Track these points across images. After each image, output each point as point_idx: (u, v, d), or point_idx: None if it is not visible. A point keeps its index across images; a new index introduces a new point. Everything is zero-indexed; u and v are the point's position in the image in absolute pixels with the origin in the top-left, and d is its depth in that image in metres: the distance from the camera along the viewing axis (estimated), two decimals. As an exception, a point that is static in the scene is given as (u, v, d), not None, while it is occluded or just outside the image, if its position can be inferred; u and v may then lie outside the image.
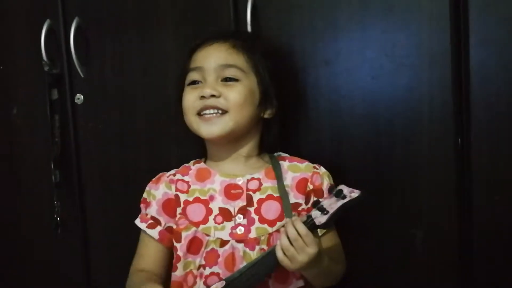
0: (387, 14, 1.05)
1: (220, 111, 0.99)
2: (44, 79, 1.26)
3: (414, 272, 1.09)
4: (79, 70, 1.24)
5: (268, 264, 0.91)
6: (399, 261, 1.10)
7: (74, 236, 1.29)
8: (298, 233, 0.87)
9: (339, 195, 0.88)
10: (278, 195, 1.01)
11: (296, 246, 0.86)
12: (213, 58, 1.01)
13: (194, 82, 1.02)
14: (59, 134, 1.27)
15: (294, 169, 1.04)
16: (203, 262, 0.98)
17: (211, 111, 0.99)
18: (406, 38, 1.04)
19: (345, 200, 0.87)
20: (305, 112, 1.12)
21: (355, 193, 0.87)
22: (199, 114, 1.00)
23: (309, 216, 0.89)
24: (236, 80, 1.00)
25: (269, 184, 1.02)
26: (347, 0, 1.07)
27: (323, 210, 0.87)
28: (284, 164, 1.04)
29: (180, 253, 1.00)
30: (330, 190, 0.90)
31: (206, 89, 0.98)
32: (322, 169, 1.05)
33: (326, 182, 1.03)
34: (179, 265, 1.00)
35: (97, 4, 1.24)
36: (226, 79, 1.00)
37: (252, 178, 1.02)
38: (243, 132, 1.02)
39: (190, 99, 1.01)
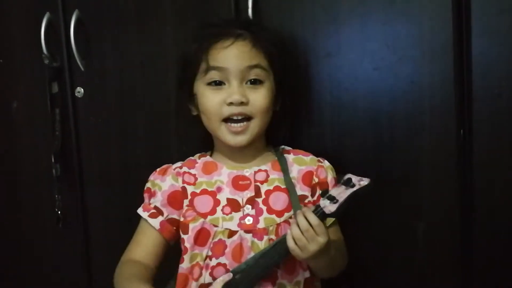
0: (388, 6, 1.04)
1: (246, 119, 0.98)
2: (44, 72, 1.25)
3: (416, 264, 1.09)
4: (79, 63, 1.24)
5: (277, 254, 0.92)
6: (401, 253, 1.10)
7: (74, 230, 1.29)
8: (309, 223, 0.87)
9: (348, 183, 0.88)
10: (285, 186, 1.01)
11: (307, 236, 0.87)
12: (238, 59, 0.98)
13: (215, 83, 1.00)
14: (60, 127, 1.26)
15: (300, 162, 1.04)
16: (210, 253, 0.98)
17: (239, 117, 0.98)
18: (408, 30, 1.04)
19: (355, 189, 0.87)
20: (307, 105, 1.12)
21: (364, 181, 0.88)
22: (225, 120, 0.99)
23: (317, 206, 0.89)
24: (261, 81, 0.99)
25: (276, 176, 1.02)
26: (349, -8, 1.07)
27: (332, 199, 0.88)
28: (289, 157, 1.05)
29: (187, 244, 0.99)
30: (339, 179, 0.90)
31: (236, 96, 0.97)
32: (326, 163, 1.05)
33: (330, 175, 1.03)
34: (186, 257, 0.99)
35: (97, -3, 1.24)
36: (252, 81, 0.99)
37: (259, 170, 1.02)
38: (261, 134, 1.03)
39: (215, 103, 0.98)
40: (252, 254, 0.95)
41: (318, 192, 1.02)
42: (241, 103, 0.97)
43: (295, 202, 0.99)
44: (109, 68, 1.24)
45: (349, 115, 1.10)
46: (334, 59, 1.09)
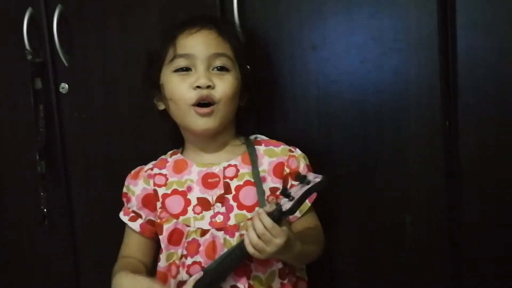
0: (374, -2, 1.04)
1: (213, 104, 0.98)
2: (27, 68, 1.23)
3: (405, 256, 1.09)
4: (63, 58, 1.22)
5: (239, 256, 0.91)
6: (389, 245, 1.10)
7: (61, 228, 1.28)
8: (264, 226, 0.86)
9: (304, 181, 0.88)
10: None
11: (264, 240, 0.86)
12: (205, 46, 0.99)
13: (182, 69, 0.99)
14: (44, 124, 1.25)
15: (270, 154, 1.03)
16: (185, 252, 0.99)
17: (206, 101, 0.98)
18: (393, 22, 1.03)
19: (309, 186, 0.87)
20: (293, 98, 1.12)
21: (318, 178, 0.87)
22: (193, 105, 0.98)
23: (277, 204, 0.88)
24: (227, 69, 1.00)
25: (246, 170, 1.02)
26: (334, -16, 1.07)
27: (289, 197, 0.87)
28: (260, 149, 1.04)
29: (162, 244, 1.01)
30: (297, 178, 0.90)
31: (202, 79, 0.97)
32: (298, 152, 1.05)
33: (302, 164, 1.03)
34: (162, 257, 1.01)
35: (80, -9, 1.22)
36: (218, 68, 0.99)
37: (229, 165, 1.02)
38: (227, 123, 1.02)
39: (183, 87, 0.98)
40: (225, 250, 0.95)
41: (290, 182, 1.01)
42: (208, 87, 0.97)
43: (261, 197, 0.98)
44: (94, 63, 1.23)
45: (336, 108, 1.09)
46: (320, 51, 1.09)
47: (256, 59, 1.10)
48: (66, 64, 1.23)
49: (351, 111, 1.08)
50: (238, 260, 0.92)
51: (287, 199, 0.88)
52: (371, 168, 1.09)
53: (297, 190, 0.88)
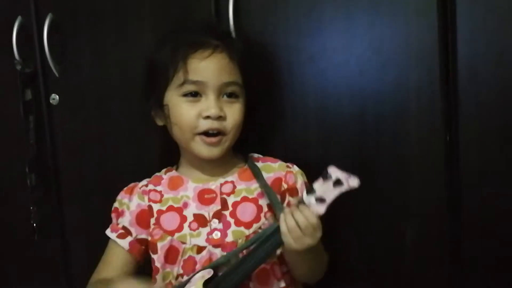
0: (373, 9, 1.03)
1: (221, 133, 0.97)
2: (16, 78, 1.21)
3: (404, 267, 1.08)
4: (53, 69, 1.20)
5: (271, 247, 0.89)
6: (388, 257, 1.09)
7: (52, 243, 1.26)
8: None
9: (327, 176, 0.85)
10: (253, 196, 0.99)
11: (306, 233, 0.85)
12: (217, 74, 0.96)
13: (191, 94, 0.96)
14: (34, 136, 1.22)
15: (268, 170, 1.02)
16: (181, 271, 0.96)
17: (214, 131, 0.96)
18: (393, 33, 1.02)
19: (343, 189, 0.85)
20: (291, 110, 1.10)
21: (353, 182, 0.85)
22: (200, 133, 0.96)
23: (301, 201, 0.87)
24: (236, 96, 0.99)
25: (243, 186, 1.00)
26: (333, -6, 1.05)
27: (319, 198, 0.85)
28: (257, 165, 1.03)
29: (158, 264, 0.98)
30: (323, 176, 0.87)
31: (213, 110, 0.95)
32: (296, 168, 1.03)
33: (300, 180, 1.02)
34: (158, 277, 0.98)
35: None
36: (227, 95, 0.98)
37: (226, 182, 1.00)
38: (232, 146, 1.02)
39: (191, 115, 0.96)
40: (223, 268, 0.92)
41: (288, 198, 1.00)
42: (219, 117, 0.96)
43: (276, 202, 0.96)
44: (86, 74, 1.21)
45: (335, 119, 1.08)
46: (318, 62, 1.07)
47: (252, 70, 1.08)
48: (57, 75, 1.20)
49: (350, 123, 1.07)
50: (267, 254, 0.89)
51: (313, 199, 0.85)
52: (371, 180, 1.07)
53: (326, 191, 0.85)
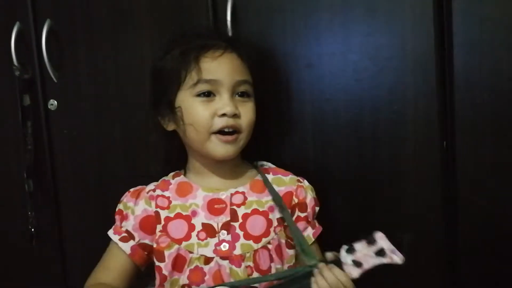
0: (370, 16, 1.03)
1: (236, 132, 0.96)
2: (15, 84, 1.21)
3: (401, 276, 1.07)
4: (51, 74, 1.20)
5: None
6: (385, 266, 1.08)
7: (50, 248, 1.25)
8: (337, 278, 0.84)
9: (372, 242, 0.83)
10: (263, 209, 0.98)
11: None
12: (230, 72, 0.96)
13: (204, 94, 0.96)
14: (32, 141, 1.22)
15: (279, 183, 1.01)
16: (187, 281, 0.94)
17: (230, 129, 0.96)
18: (390, 41, 1.03)
19: (384, 261, 0.82)
20: (288, 116, 1.10)
21: (397, 258, 0.82)
22: (215, 132, 0.96)
23: (337, 258, 0.85)
24: (248, 95, 0.99)
25: (254, 198, 0.99)
26: (329, 1, 1.05)
27: (352, 251, 0.83)
28: (268, 177, 1.02)
29: (165, 272, 0.95)
30: (369, 239, 0.84)
31: (229, 108, 0.95)
32: (306, 183, 1.03)
33: (310, 196, 1.01)
34: (166, 285, 0.96)
35: (70, 6, 1.19)
36: (239, 94, 0.97)
37: (237, 192, 0.99)
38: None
39: (206, 114, 0.95)
40: (232, 280, 0.92)
41: (297, 213, 0.99)
42: (234, 115, 0.95)
43: (288, 218, 0.96)
44: (84, 79, 1.20)
45: (331, 126, 1.08)
46: (315, 69, 1.08)
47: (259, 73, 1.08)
48: (55, 80, 1.20)
49: (347, 129, 1.07)
50: None
51: (350, 259, 0.83)
52: (367, 187, 1.08)
53: (366, 255, 0.83)
